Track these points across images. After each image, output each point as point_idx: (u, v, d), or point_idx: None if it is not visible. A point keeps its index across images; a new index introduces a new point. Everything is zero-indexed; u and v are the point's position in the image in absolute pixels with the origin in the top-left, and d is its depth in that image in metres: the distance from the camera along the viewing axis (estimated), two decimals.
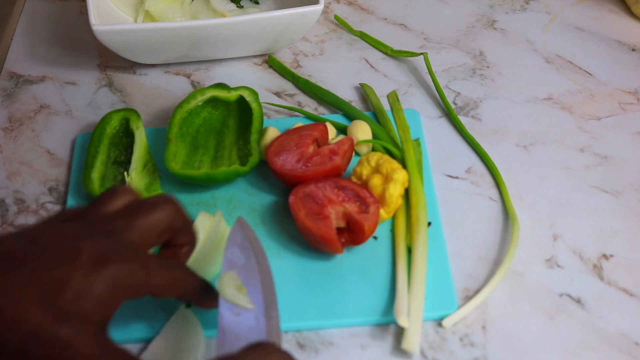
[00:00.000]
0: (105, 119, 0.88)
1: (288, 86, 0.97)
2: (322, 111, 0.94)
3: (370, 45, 1.02)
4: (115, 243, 0.62)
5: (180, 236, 0.68)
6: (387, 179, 0.80)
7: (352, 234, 0.78)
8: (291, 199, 0.79)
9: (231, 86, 0.90)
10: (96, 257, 0.60)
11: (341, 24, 1.04)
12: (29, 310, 0.57)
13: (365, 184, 0.81)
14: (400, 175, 0.80)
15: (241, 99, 0.89)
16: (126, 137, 0.88)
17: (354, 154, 0.87)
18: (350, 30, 1.03)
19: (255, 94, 0.89)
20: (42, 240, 0.60)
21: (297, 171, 0.82)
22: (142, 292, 0.62)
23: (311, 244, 0.79)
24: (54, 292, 0.58)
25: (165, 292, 0.64)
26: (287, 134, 0.86)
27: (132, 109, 0.88)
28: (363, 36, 1.02)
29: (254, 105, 0.88)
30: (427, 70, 0.97)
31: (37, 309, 0.57)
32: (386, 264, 0.79)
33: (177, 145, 0.85)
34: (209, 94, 0.89)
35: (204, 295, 0.69)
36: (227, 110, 0.90)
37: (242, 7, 1.03)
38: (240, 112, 0.90)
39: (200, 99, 0.88)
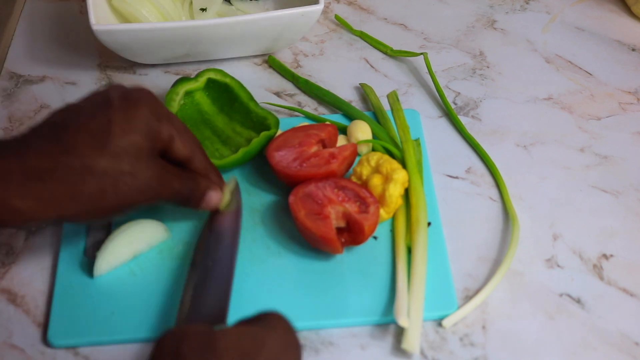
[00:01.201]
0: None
1: (288, 86, 0.97)
2: (322, 111, 0.94)
3: (370, 45, 1.02)
4: (143, 90, 0.74)
5: (177, 146, 0.75)
6: (387, 179, 0.80)
7: (352, 233, 0.78)
8: (291, 199, 0.79)
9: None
10: (126, 97, 0.71)
11: (342, 23, 1.04)
12: (90, 158, 0.69)
13: (365, 184, 0.81)
14: (400, 175, 0.80)
15: (209, 82, 0.90)
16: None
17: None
18: (350, 30, 1.03)
19: (221, 71, 0.90)
20: (74, 107, 0.72)
21: (291, 169, 0.82)
22: (165, 130, 0.73)
23: (311, 244, 0.79)
24: (102, 137, 0.69)
25: (181, 140, 0.74)
26: (294, 130, 0.86)
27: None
28: (363, 36, 1.02)
29: (227, 80, 0.90)
30: (427, 70, 0.97)
31: (97, 157, 0.69)
32: (386, 264, 0.79)
33: None
34: (182, 89, 0.89)
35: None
36: (195, 100, 0.90)
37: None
38: (214, 95, 0.91)
39: (177, 98, 0.88)
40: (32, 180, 0.67)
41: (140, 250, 0.80)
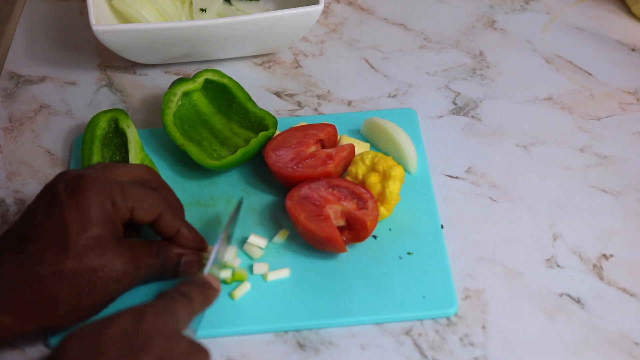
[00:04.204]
0: (93, 121, 0.87)
1: (288, 86, 0.97)
2: (322, 111, 0.94)
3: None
4: (89, 174, 0.71)
5: (139, 215, 0.72)
6: (385, 177, 0.80)
7: (353, 231, 0.78)
8: (288, 203, 0.79)
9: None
10: (72, 189, 0.69)
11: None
12: (57, 263, 0.67)
13: (362, 184, 0.81)
14: (398, 171, 0.80)
15: (207, 82, 0.90)
16: (117, 137, 0.88)
17: None
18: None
19: (219, 72, 0.90)
20: (28, 212, 0.71)
21: (286, 170, 0.82)
22: (122, 205, 0.70)
23: (314, 245, 0.79)
24: (61, 240, 0.68)
25: (141, 208, 0.72)
26: (293, 130, 0.86)
27: (119, 109, 0.88)
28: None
29: (225, 81, 0.90)
30: (427, 70, 0.97)
31: (62, 261, 0.67)
32: (386, 263, 0.79)
33: (190, 146, 0.85)
34: (180, 90, 0.89)
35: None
36: (193, 101, 0.90)
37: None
38: (212, 95, 0.91)
39: (175, 99, 0.88)
40: (11, 293, 0.67)
41: None
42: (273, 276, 0.78)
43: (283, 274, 0.78)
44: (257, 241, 0.79)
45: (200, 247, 0.76)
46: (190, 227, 0.76)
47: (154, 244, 0.74)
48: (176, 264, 0.75)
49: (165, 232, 0.74)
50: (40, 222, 0.69)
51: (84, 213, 0.69)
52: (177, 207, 0.77)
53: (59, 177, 0.72)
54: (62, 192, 0.69)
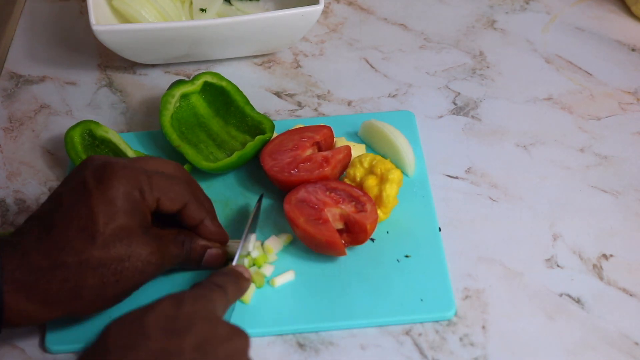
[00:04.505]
0: (68, 139, 0.86)
1: (288, 86, 0.97)
2: (322, 111, 0.94)
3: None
4: (118, 162, 0.71)
5: (165, 205, 0.73)
6: (382, 180, 0.80)
7: (352, 234, 0.78)
8: (286, 207, 0.79)
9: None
10: (100, 177, 0.69)
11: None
12: (83, 252, 0.67)
13: (359, 186, 0.81)
14: (396, 174, 0.80)
15: (205, 85, 0.90)
16: (100, 146, 0.87)
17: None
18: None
19: (217, 75, 0.90)
20: (56, 198, 0.70)
21: (283, 174, 0.81)
22: (149, 195, 0.71)
23: (313, 249, 0.79)
24: (89, 230, 0.68)
25: (168, 198, 0.72)
26: (289, 133, 0.86)
27: (86, 120, 0.87)
28: None
29: (223, 83, 0.90)
30: (427, 70, 0.97)
31: (89, 250, 0.67)
32: (384, 266, 0.79)
33: (187, 147, 0.85)
34: (178, 92, 0.89)
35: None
36: (191, 103, 0.90)
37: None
38: (210, 98, 0.91)
39: (173, 101, 0.88)
40: (38, 282, 0.67)
41: None
42: (280, 280, 0.77)
43: (289, 277, 0.78)
44: (273, 244, 0.80)
45: (221, 240, 0.77)
46: (214, 219, 0.76)
47: (180, 234, 0.75)
48: (200, 255, 0.75)
49: (190, 222, 0.75)
50: (67, 210, 0.69)
51: (112, 202, 0.69)
52: (205, 201, 0.77)
53: (86, 162, 0.72)
54: (90, 179, 0.70)
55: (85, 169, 0.71)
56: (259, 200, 0.81)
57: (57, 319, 0.70)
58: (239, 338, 0.62)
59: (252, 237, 0.79)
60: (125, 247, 0.69)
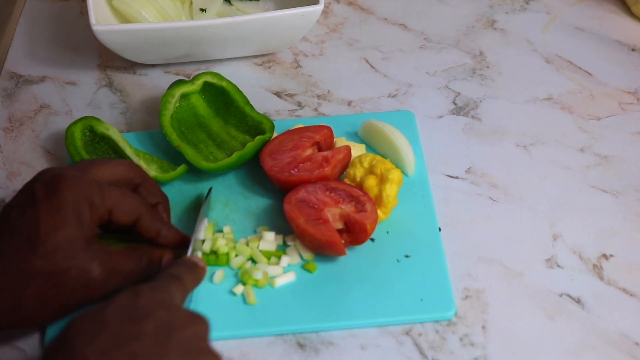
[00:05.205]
0: (69, 134, 0.86)
1: (288, 86, 0.97)
2: (322, 111, 0.94)
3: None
4: (68, 174, 0.70)
5: (146, 196, 0.75)
6: (382, 180, 0.80)
7: (352, 234, 0.78)
8: (286, 207, 0.79)
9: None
10: (49, 188, 0.69)
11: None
12: (24, 260, 0.67)
13: (359, 186, 0.81)
14: (396, 174, 0.80)
15: (205, 85, 0.90)
16: (100, 142, 0.87)
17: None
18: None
19: (217, 75, 0.90)
20: (7, 208, 0.70)
21: (283, 175, 0.81)
22: (100, 206, 0.70)
23: (313, 249, 0.79)
24: (32, 238, 0.67)
25: (120, 210, 0.72)
26: (289, 133, 0.86)
27: (88, 117, 0.87)
28: None
29: (224, 83, 0.89)
30: (427, 70, 0.97)
31: (30, 259, 0.67)
32: (384, 266, 0.79)
33: (186, 147, 0.85)
34: (178, 92, 0.89)
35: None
36: (191, 103, 0.90)
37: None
38: (210, 98, 0.90)
39: (173, 101, 0.88)
40: None
41: None
42: (281, 281, 0.77)
43: (290, 277, 0.78)
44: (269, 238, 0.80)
45: (182, 245, 0.76)
46: (170, 227, 0.76)
47: (135, 250, 0.74)
48: (157, 266, 0.75)
49: (146, 234, 0.75)
50: (14, 220, 0.69)
51: (58, 212, 0.68)
52: (161, 202, 0.78)
53: (38, 176, 0.71)
54: (38, 190, 0.69)
55: (37, 180, 0.71)
56: (208, 194, 0.82)
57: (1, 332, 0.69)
58: (198, 323, 0.62)
59: (203, 226, 0.79)
60: (67, 259, 0.68)
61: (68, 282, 0.68)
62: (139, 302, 0.61)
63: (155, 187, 0.78)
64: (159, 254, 0.75)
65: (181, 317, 0.62)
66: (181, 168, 0.84)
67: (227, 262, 0.78)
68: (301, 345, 0.75)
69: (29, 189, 0.70)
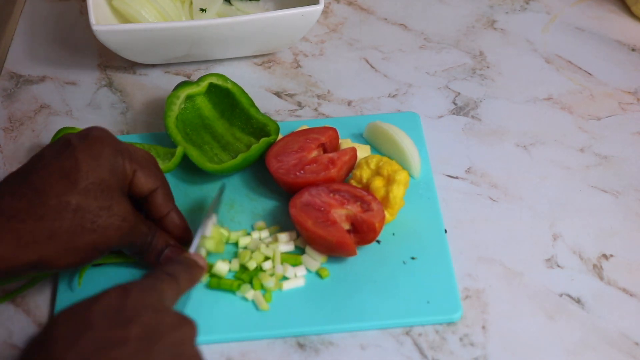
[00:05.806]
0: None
1: (288, 86, 0.97)
2: (322, 111, 0.94)
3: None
4: (99, 129, 0.74)
5: (140, 179, 0.74)
6: (389, 181, 0.80)
7: (360, 234, 0.78)
8: (293, 211, 0.79)
9: None
10: (86, 137, 0.72)
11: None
12: (64, 195, 0.69)
13: (366, 187, 0.81)
14: (402, 176, 0.80)
15: (210, 87, 0.90)
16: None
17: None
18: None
19: (223, 77, 0.90)
20: (38, 156, 0.72)
21: (289, 177, 0.81)
22: (128, 165, 0.73)
23: (322, 251, 0.78)
24: (72, 175, 0.69)
25: (143, 173, 0.74)
26: (295, 135, 0.85)
27: (66, 127, 0.88)
28: None
29: (229, 85, 0.90)
30: (427, 70, 0.97)
31: (70, 194, 0.69)
32: (390, 268, 0.78)
33: (191, 149, 0.85)
34: (183, 93, 0.89)
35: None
36: (196, 104, 0.90)
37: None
38: (215, 100, 0.91)
39: (178, 102, 0.88)
40: (9, 221, 0.68)
41: None
42: (289, 285, 0.77)
43: (299, 282, 0.78)
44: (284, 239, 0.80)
45: (184, 236, 0.77)
46: (179, 213, 0.77)
47: (152, 223, 0.76)
48: (160, 251, 0.75)
49: (157, 211, 0.76)
50: (49, 161, 0.70)
51: (97, 158, 0.71)
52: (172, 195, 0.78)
53: (68, 134, 0.73)
54: (74, 139, 0.72)
55: (69, 135, 0.73)
56: (220, 191, 0.81)
57: (29, 266, 0.69)
58: (186, 327, 0.62)
59: (211, 222, 0.78)
60: (105, 200, 0.71)
61: (104, 220, 0.70)
62: (126, 303, 0.61)
63: (147, 169, 0.77)
64: (164, 241, 0.76)
65: (168, 321, 0.61)
66: (179, 150, 0.84)
67: (238, 288, 0.77)
68: (301, 345, 0.75)
69: (61, 140, 0.72)
